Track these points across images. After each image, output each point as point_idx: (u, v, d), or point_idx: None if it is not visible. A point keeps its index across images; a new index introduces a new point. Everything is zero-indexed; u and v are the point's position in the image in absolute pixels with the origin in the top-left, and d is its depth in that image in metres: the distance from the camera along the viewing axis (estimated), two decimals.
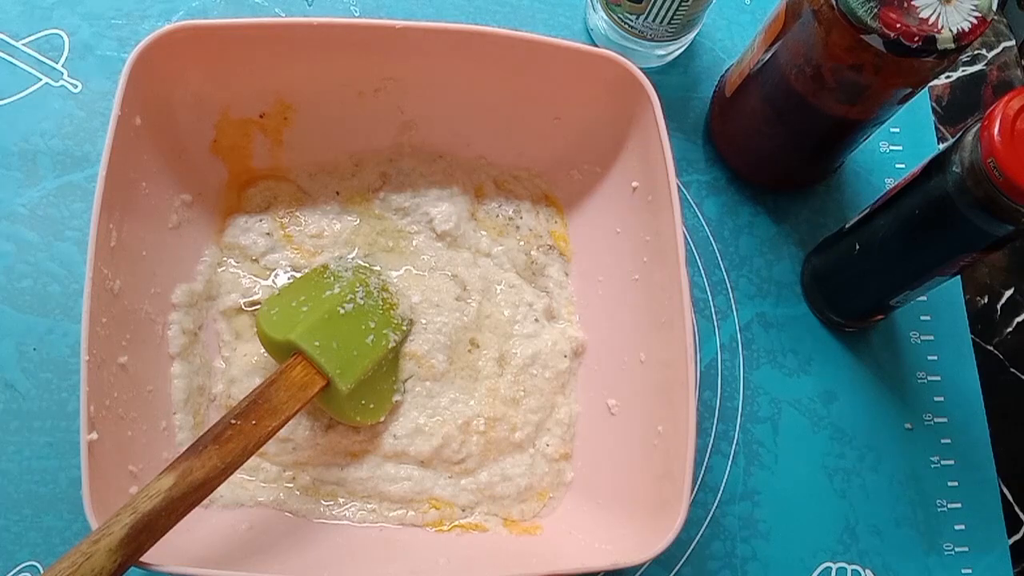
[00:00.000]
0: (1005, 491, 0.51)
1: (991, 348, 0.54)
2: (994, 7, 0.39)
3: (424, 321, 0.46)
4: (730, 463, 0.48)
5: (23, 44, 0.50)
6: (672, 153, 0.40)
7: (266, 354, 0.43)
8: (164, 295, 0.43)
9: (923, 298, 0.52)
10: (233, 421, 0.37)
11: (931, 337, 0.53)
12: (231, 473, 0.37)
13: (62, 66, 0.50)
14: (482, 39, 0.42)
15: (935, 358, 0.52)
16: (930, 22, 0.38)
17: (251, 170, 0.47)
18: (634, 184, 0.44)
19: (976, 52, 0.61)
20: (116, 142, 0.37)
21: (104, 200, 0.37)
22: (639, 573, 0.46)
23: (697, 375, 0.49)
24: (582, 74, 0.42)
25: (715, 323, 0.51)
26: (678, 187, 0.40)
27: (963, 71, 0.60)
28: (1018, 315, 0.55)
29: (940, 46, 0.39)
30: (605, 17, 0.53)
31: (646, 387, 0.42)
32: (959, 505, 0.49)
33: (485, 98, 0.45)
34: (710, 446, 0.48)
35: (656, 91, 0.41)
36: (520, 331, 0.47)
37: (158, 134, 0.41)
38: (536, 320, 0.47)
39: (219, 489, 0.37)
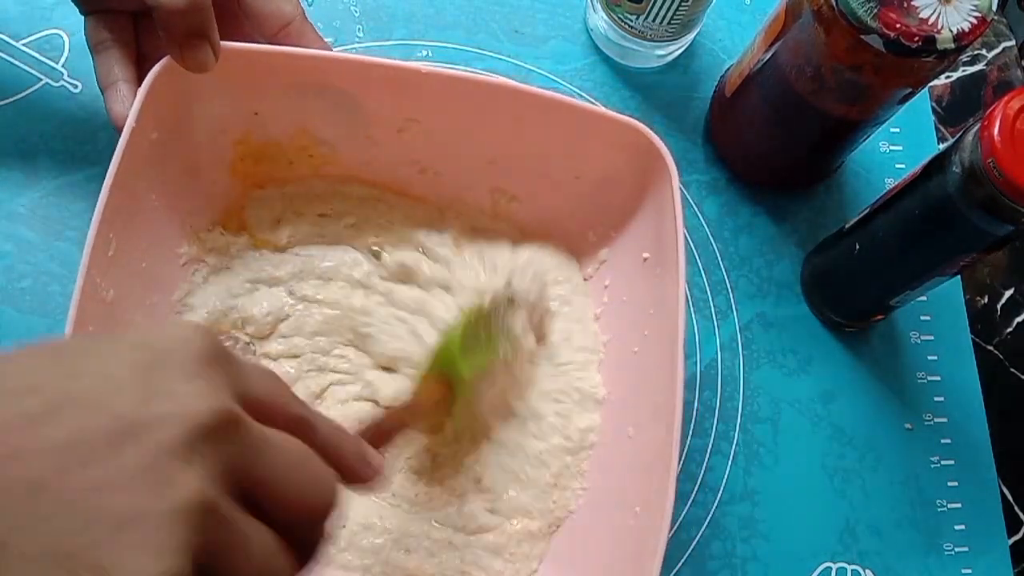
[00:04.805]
0: (1005, 491, 0.51)
1: (991, 348, 0.54)
2: (994, 7, 0.39)
3: None
4: (730, 463, 0.48)
5: (23, 44, 0.50)
6: (684, 234, 0.39)
7: None
8: (160, 306, 0.42)
9: (923, 298, 0.52)
10: None
11: (931, 337, 0.53)
12: None
13: (62, 66, 0.50)
14: (507, 93, 0.42)
15: (935, 358, 0.52)
16: (930, 22, 0.38)
17: (264, 193, 0.47)
18: (645, 255, 0.43)
19: (976, 52, 0.61)
20: (127, 153, 0.37)
21: (107, 209, 0.36)
22: None
23: (697, 376, 0.50)
24: (606, 139, 0.42)
25: (715, 323, 0.51)
26: (685, 243, 0.39)
27: (963, 71, 0.60)
28: (1018, 315, 0.55)
29: (940, 46, 0.39)
30: (605, 17, 0.53)
31: (630, 464, 0.41)
32: (959, 505, 0.49)
33: (508, 151, 0.45)
34: (710, 446, 0.48)
35: (676, 163, 0.40)
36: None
37: (174, 149, 0.41)
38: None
39: None
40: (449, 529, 0.43)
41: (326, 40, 0.42)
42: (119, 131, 0.37)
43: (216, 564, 0.22)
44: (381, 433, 0.35)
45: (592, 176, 0.45)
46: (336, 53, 0.42)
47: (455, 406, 0.41)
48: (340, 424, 0.28)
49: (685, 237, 0.52)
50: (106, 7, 0.41)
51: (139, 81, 0.38)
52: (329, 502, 0.25)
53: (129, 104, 0.38)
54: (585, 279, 0.48)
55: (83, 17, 0.42)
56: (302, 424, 0.26)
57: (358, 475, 0.28)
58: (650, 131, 0.41)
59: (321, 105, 0.43)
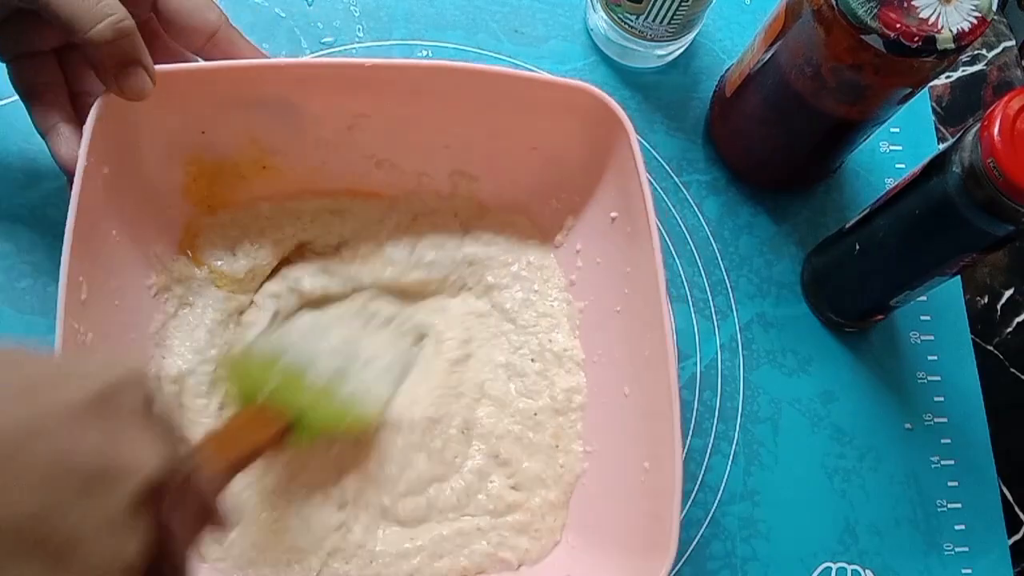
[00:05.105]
0: (1005, 491, 0.51)
1: (991, 348, 0.54)
2: (994, 7, 0.39)
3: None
4: (730, 463, 0.48)
5: None
6: (649, 185, 0.39)
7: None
8: (139, 341, 0.42)
9: (923, 298, 0.52)
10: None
11: (931, 337, 0.53)
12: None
13: None
14: (453, 75, 0.41)
15: (935, 358, 0.52)
16: (930, 22, 0.38)
17: (223, 213, 0.46)
18: (613, 215, 0.43)
19: (976, 52, 0.61)
20: (84, 193, 0.36)
21: (73, 252, 0.36)
22: None
23: (697, 376, 0.50)
24: (557, 105, 0.42)
25: (715, 323, 0.51)
26: (657, 220, 0.39)
27: (963, 71, 0.60)
28: (1018, 315, 0.55)
29: (940, 46, 0.39)
30: (605, 17, 0.53)
31: (630, 422, 0.41)
32: (959, 505, 0.49)
33: (461, 132, 0.45)
34: (710, 446, 0.48)
35: (632, 122, 0.40)
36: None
37: (127, 181, 0.40)
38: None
39: None
40: (478, 517, 0.43)
41: (255, 45, 0.42)
42: (69, 174, 0.37)
43: None
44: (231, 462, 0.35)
45: (548, 145, 0.44)
46: (275, 60, 0.41)
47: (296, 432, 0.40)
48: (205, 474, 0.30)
49: (686, 237, 0.52)
50: (26, 51, 0.40)
51: (77, 118, 0.38)
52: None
53: (74, 145, 0.38)
54: (556, 246, 0.48)
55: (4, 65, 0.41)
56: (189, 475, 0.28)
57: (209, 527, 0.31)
58: (599, 91, 0.41)
59: (266, 114, 0.42)
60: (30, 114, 0.41)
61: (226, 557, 0.41)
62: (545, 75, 0.42)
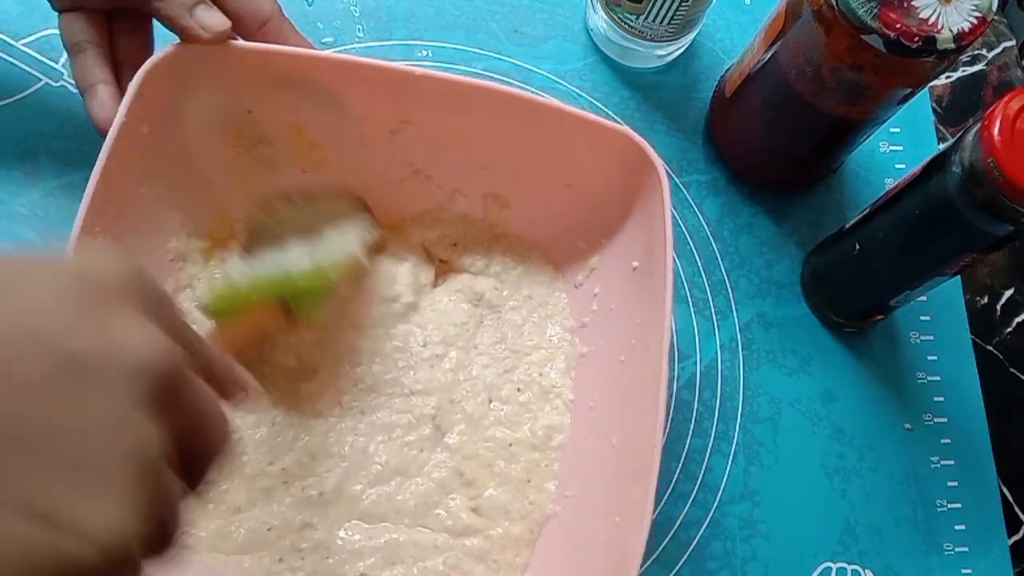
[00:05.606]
0: (1005, 491, 0.51)
1: (991, 348, 0.54)
2: (994, 7, 0.39)
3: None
4: (730, 463, 0.48)
5: (23, 44, 0.50)
6: (673, 241, 0.39)
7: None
8: None
9: (923, 298, 0.52)
10: None
11: (931, 337, 0.53)
12: None
13: (62, 66, 0.50)
14: (497, 98, 0.41)
15: (935, 358, 0.52)
16: (930, 22, 0.39)
17: (255, 194, 0.46)
18: (634, 264, 0.43)
19: (976, 52, 0.61)
20: (116, 146, 0.37)
21: (93, 200, 0.36)
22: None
23: (697, 376, 0.50)
24: (597, 146, 0.42)
25: (715, 323, 0.51)
26: (675, 266, 0.39)
27: (963, 71, 0.60)
28: (1018, 315, 0.55)
29: (940, 46, 0.39)
30: (605, 17, 0.53)
31: (611, 473, 0.41)
32: (959, 505, 0.49)
33: (502, 155, 0.44)
34: (710, 446, 0.48)
35: (668, 173, 0.40)
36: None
37: (165, 145, 0.41)
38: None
39: None
40: (436, 533, 0.43)
41: (307, 38, 0.42)
42: (101, 134, 0.37)
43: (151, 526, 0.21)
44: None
45: (584, 184, 0.44)
46: (329, 53, 0.42)
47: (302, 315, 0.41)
48: (212, 347, 0.28)
49: (686, 238, 0.52)
50: (79, 5, 0.41)
51: (117, 82, 0.38)
52: (225, 442, 0.26)
53: (109, 107, 0.38)
54: (575, 287, 0.48)
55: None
56: (194, 351, 0.26)
57: (231, 396, 0.29)
58: (642, 140, 0.40)
59: (314, 105, 0.43)
60: (72, 70, 0.41)
61: (189, 540, 0.41)
62: (591, 115, 0.41)
